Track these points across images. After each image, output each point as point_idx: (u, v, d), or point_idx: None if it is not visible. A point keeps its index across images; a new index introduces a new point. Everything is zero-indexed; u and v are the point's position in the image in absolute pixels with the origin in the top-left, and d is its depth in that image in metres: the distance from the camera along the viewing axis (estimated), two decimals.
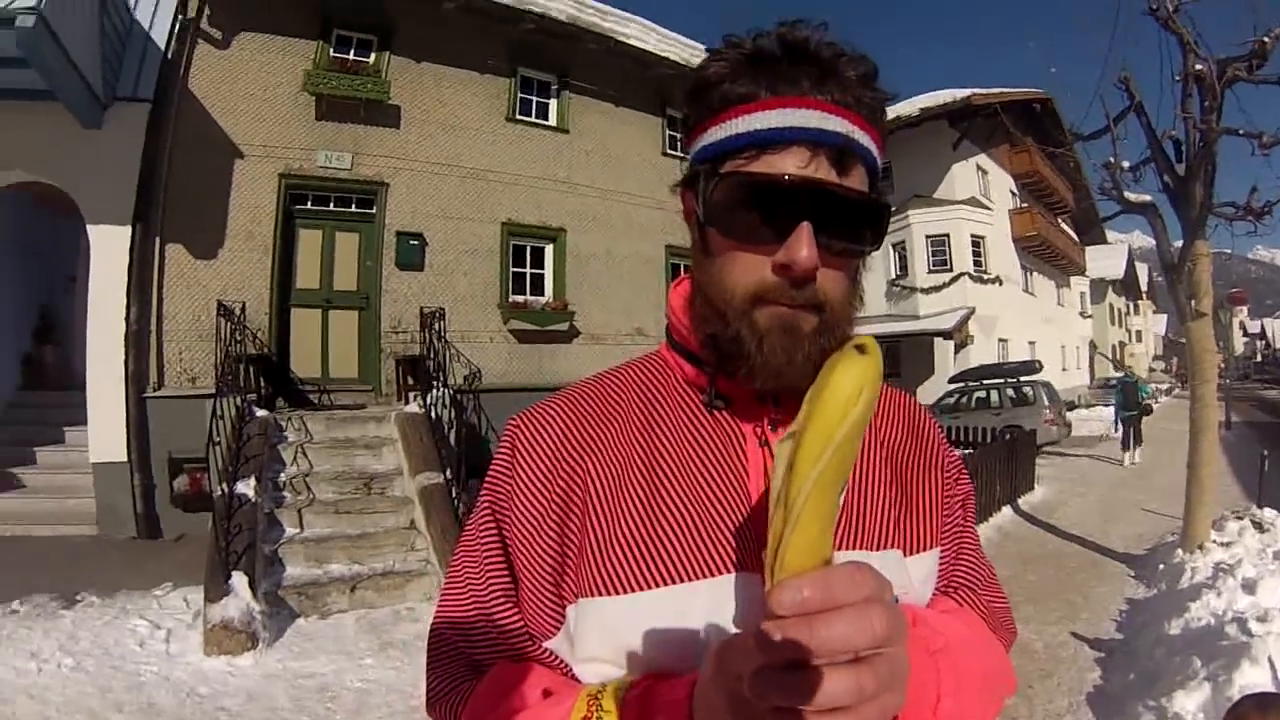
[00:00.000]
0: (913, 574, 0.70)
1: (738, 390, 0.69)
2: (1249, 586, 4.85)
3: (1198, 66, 6.13)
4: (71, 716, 3.76)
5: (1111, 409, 17.44)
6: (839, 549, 0.58)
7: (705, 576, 0.63)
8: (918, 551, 0.72)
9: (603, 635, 0.64)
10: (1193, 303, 6.37)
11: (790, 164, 0.60)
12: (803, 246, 0.58)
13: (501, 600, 0.69)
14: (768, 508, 0.64)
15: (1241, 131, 6.36)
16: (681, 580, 0.63)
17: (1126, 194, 7.21)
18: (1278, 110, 6.40)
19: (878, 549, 0.68)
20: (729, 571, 0.63)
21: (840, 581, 0.44)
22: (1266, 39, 5.93)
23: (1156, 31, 6.38)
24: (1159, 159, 6.63)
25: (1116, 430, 14.85)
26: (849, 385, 0.44)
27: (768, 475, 0.66)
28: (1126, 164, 7.16)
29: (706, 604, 0.62)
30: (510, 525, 0.70)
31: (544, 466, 0.70)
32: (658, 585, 0.63)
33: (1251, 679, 3.50)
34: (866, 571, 0.45)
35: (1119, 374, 21.53)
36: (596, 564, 0.65)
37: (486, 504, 0.73)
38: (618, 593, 0.63)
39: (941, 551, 0.76)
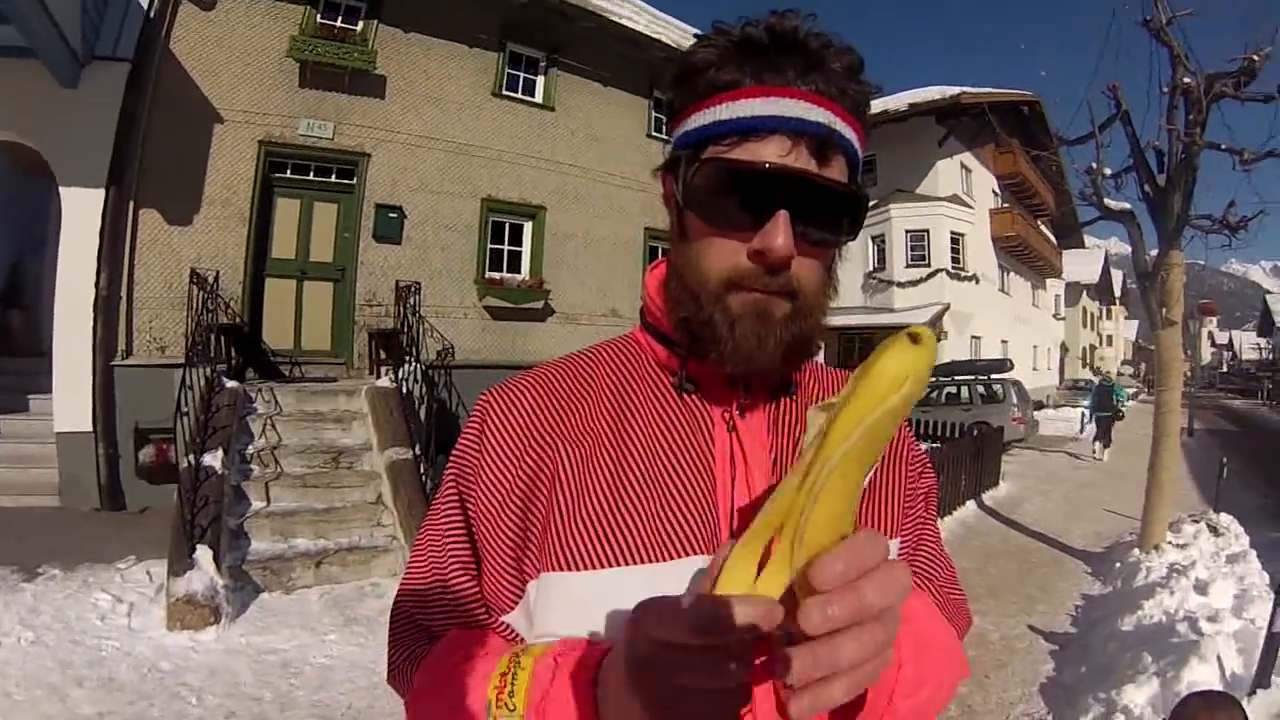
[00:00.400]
0: None
1: (708, 374, 0.70)
2: (1201, 587, 5.00)
3: (1186, 80, 6.20)
4: (31, 691, 3.70)
5: (1082, 410, 18.18)
6: None
7: (667, 559, 0.64)
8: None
9: (562, 611, 0.64)
10: (1164, 310, 6.49)
11: (771, 152, 0.61)
12: (779, 234, 0.59)
13: (460, 572, 0.70)
14: (732, 491, 0.65)
15: (1224, 146, 6.46)
16: (643, 560, 0.64)
17: (1107, 201, 7.31)
18: (1260, 127, 6.50)
19: None
20: (690, 554, 0.64)
21: (866, 549, 0.45)
22: (1256, 57, 6.01)
23: (1148, 42, 6.45)
24: (1141, 168, 6.72)
25: (1085, 429, 15.37)
26: (894, 370, 0.44)
27: (733, 460, 0.68)
28: (1109, 171, 7.25)
29: (666, 585, 0.62)
30: (475, 498, 0.70)
31: (512, 442, 0.70)
32: (619, 564, 0.64)
33: (1200, 676, 3.62)
34: (878, 536, 0.47)
35: (1097, 377, 21.83)
36: (560, 540, 0.65)
37: (452, 477, 0.73)
38: (579, 569, 0.64)
39: (902, 543, 0.77)
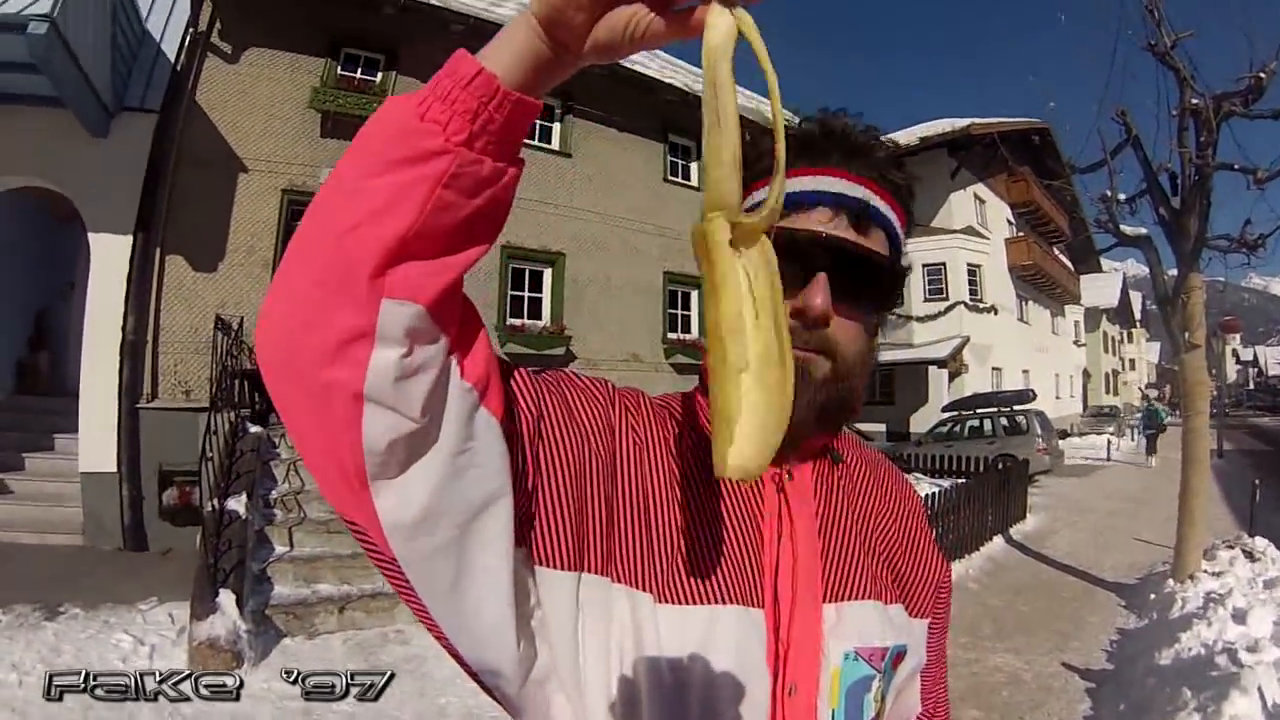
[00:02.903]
0: (896, 621, 0.75)
1: None
2: (1239, 616, 4.86)
3: (1194, 101, 6.23)
4: None
5: (1105, 436, 20.78)
6: (829, 600, 0.70)
7: (700, 603, 0.65)
8: (893, 603, 0.76)
9: (591, 615, 0.63)
10: (1186, 335, 6.42)
11: (814, 222, 0.69)
12: (818, 293, 0.66)
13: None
14: (778, 549, 0.70)
15: (1237, 166, 6.45)
16: (679, 601, 0.65)
17: (1123, 227, 7.29)
18: (1272, 143, 6.49)
19: (859, 599, 0.72)
20: (726, 603, 0.66)
21: None
22: (1263, 74, 6.03)
23: (1154, 66, 6.50)
24: (1154, 192, 6.72)
25: (1139, 440, 20.62)
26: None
27: (780, 519, 0.71)
28: (1122, 196, 7.25)
29: (695, 628, 0.64)
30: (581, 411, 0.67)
31: (643, 417, 0.73)
32: (659, 599, 0.64)
33: (1241, 709, 3.50)
34: None
35: (1145, 403, 27.15)
36: (623, 552, 0.65)
37: (573, 380, 0.71)
38: (624, 583, 0.64)
39: (931, 624, 0.82)
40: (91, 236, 7.27)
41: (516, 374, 0.64)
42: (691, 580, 0.66)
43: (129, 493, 7.11)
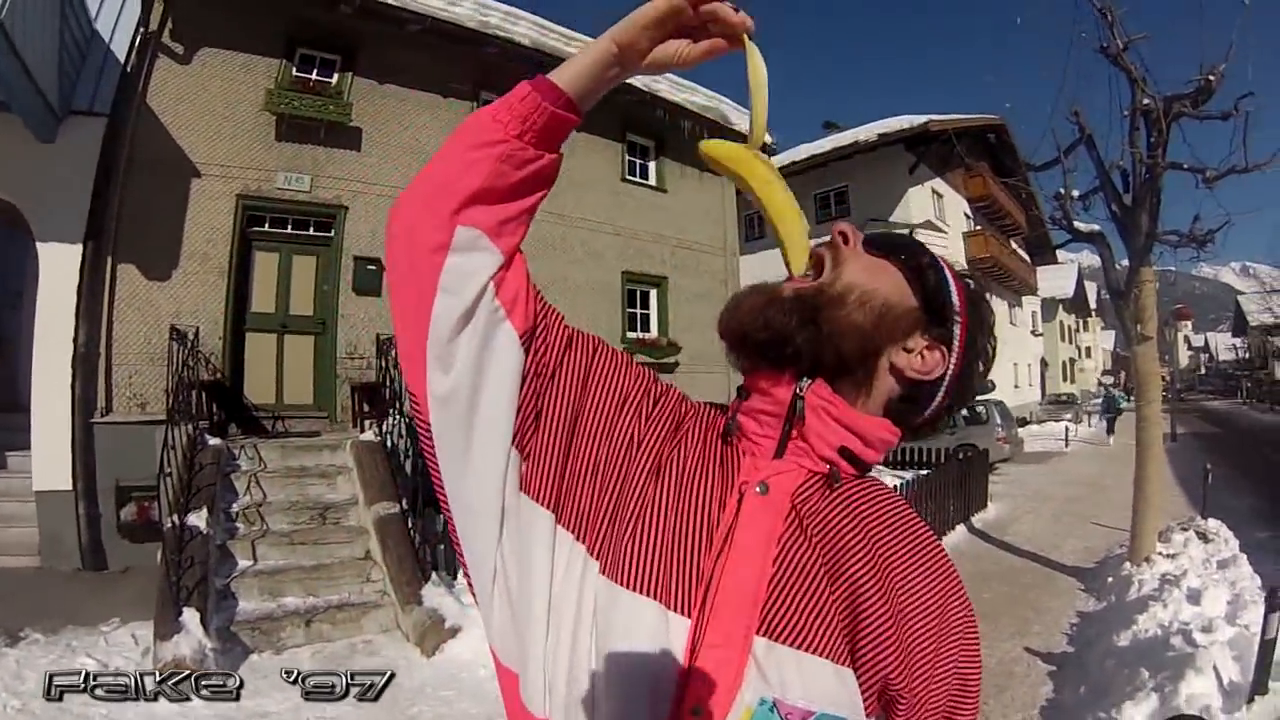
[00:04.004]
0: (842, 694, 0.66)
1: (758, 436, 0.75)
2: (1194, 596, 5.04)
3: (1145, 102, 6.41)
4: None
5: (1063, 424, 21.51)
6: (765, 634, 0.65)
7: (632, 588, 0.67)
8: (849, 667, 0.67)
9: (543, 553, 0.70)
10: (1138, 327, 6.62)
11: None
12: (844, 223, 0.81)
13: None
14: (715, 565, 0.68)
15: (1187, 166, 6.66)
16: (614, 578, 0.67)
17: (1076, 224, 7.49)
18: (1220, 142, 6.72)
19: (805, 649, 0.65)
20: (652, 597, 0.66)
21: None
22: (1212, 77, 6.23)
23: (1107, 68, 6.68)
24: (1107, 189, 6.91)
25: (1102, 424, 22.70)
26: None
27: (733, 530, 0.69)
28: (1076, 193, 7.45)
29: (620, 611, 0.66)
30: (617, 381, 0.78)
31: (651, 401, 0.78)
32: (610, 577, 0.68)
33: (1198, 688, 3.63)
34: None
35: (1104, 390, 31.00)
36: (598, 518, 0.71)
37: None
38: (593, 554, 0.70)
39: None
40: (40, 246, 6.99)
41: (559, 323, 0.78)
42: (633, 563, 0.67)
43: (86, 511, 6.86)
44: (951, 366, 0.76)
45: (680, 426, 0.76)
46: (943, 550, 0.77)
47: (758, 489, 0.70)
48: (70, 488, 6.83)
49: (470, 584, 0.76)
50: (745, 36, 0.73)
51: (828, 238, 0.80)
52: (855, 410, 0.74)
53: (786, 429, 0.73)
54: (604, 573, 0.68)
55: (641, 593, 0.66)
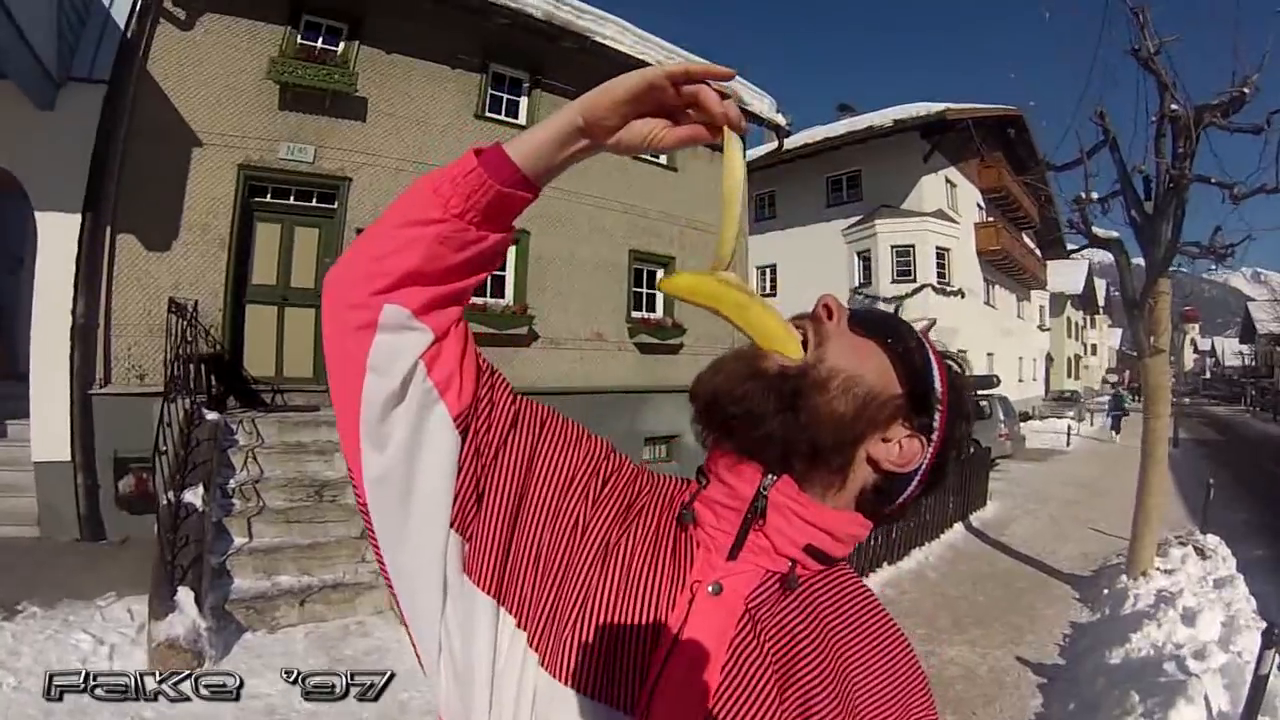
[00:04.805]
0: None
1: (714, 530, 0.70)
2: (1188, 618, 5.01)
3: (1174, 108, 6.22)
4: None
5: (1065, 421, 22.04)
6: None
7: (572, 686, 0.64)
8: None
9: (485, 641, 0.68)
10: (1151, 339, 6.52)
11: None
12: (829, 297, 0.75)
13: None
14: (663, 668, 0.65)
15: (1214, 180, 6.49)
16: (554, 674, 0.65)
17: (1094, 229, 7.34)
18: (1247, 155, 6.52)
19: None
20: (595, 698, 0.64)
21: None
22: (1246, 89, 6.03)
23: (1135, 71, 6.48)
24: (1128, 194, 6.75)
25: (1107, 421, 23.73)
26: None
27: (682, 629, 0.66)
28: (1095, 195, 7.29)
29: (559, 708, 0.64)
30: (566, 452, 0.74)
31: (606, 482, 0.75)
32: (551, 671, 0.65)
33: (1187, 718, 3.61)
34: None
35: (1114, 388, 32.82)
36: (540, 607, 0.68)
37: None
38: (532, 646, 0.67)
39: None
40: (38, 214, 6.91)
41: (505, 397, 0.73)
42: (574, 657, 0.65)
43: (84, 482, 6.87)
44: (929, 457, 0.72)
45: (632, 507, 0.73)
46: (906, 643, 0.77)
47: (710, 589, 0.67)
48: (69, 459, 6.83)
49: (416, 653, 0.73)
50: (726, 130, 0.66)
51: (810, 309, 0.75)
52: (825, 505, 0.70)
53: (744, 529, 0.69)
54: (544, 665, 0.65)
55: (582, 690, 0.63)
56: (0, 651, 4.44)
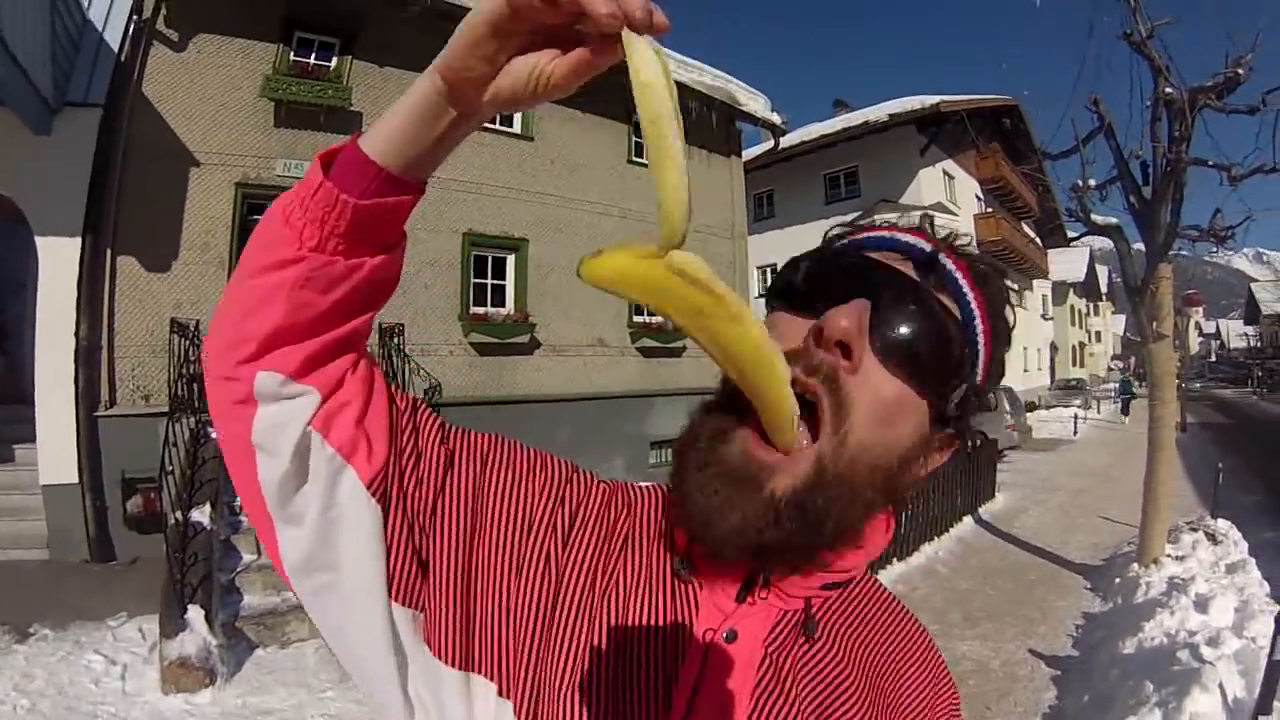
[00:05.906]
0: None
1: (717, 565, 0.61)
2: (1201, 605, 4.98)
3: (1169, 91, 6.21)
4: None
5: (1072, 410, 22.39)
6: None
7: None
8: None
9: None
10: (1154, 325, 6.49)
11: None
12: (844, 314, 0.53)
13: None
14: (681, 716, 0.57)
15: (1211, 163, 6.47)
16: None
17: (1093, 216, 7.32)
18: (1245, 135, 6.48)
19: None
20: None
21: None
22: (1240, 70, 6.02)
23: (1129, 55, 6.47)
24: (1126, 180, 6.74)
25: (1117, 405, 25.52)
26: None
27: (698, 687, 0.58)
28: (1093, 182, 7.27)
29: None
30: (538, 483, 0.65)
31: (579, 524, 0.64)
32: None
33: (1202, 706, 3.59)
34: None
35: (1121, 374, 35.46)
36: (522, 670, 0.59)
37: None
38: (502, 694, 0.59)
39: None
40: (38, 239, 6.94)
41: (434, 441, 0.62)
42: None
43: (93, 503, 6.90)
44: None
45: (613, 535, 0.64)
46: (933, 647, 0.73)
47: (723, 637, 0.59)
48: (76, 481, 6.86)
49: None
50: (625, 33, 0.43)
51: (814, 359, 0.55)
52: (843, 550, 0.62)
53: (750, 580, 0.60)
54: None
55: None
56: (14, 674, 4.47)
